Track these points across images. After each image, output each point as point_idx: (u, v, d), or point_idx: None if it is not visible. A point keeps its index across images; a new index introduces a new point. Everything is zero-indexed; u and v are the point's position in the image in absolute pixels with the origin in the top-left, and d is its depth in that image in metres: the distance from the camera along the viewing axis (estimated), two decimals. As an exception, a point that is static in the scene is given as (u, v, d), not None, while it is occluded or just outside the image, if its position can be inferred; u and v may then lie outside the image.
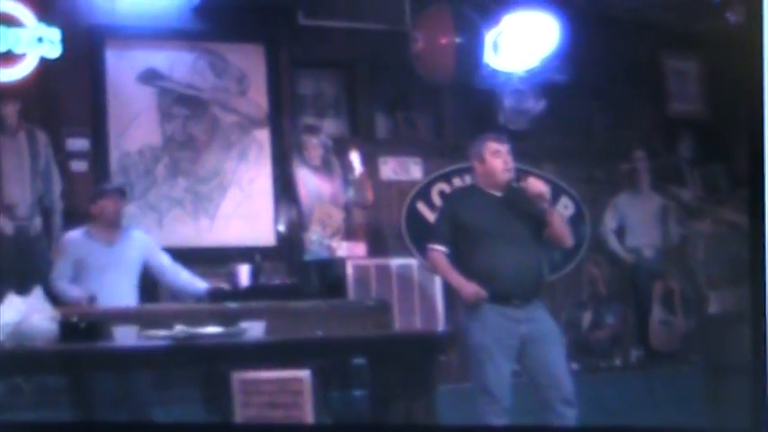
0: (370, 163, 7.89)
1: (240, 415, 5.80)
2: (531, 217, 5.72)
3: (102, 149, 7.64)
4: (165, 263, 6.68)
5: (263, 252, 7.38)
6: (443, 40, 7.76)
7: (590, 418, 5.95)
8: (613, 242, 8.68)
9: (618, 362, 8.25)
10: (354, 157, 7.38)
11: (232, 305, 5.86)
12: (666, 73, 9.45)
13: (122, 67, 7.79)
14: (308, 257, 7.23)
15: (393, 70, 8.36)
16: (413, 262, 7.83)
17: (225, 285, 6.74)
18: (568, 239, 5.88)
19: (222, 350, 5.00)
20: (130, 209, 7.53)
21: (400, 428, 5.77)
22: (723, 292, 8.47)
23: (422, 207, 8.35)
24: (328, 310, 5.72)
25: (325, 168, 7.41)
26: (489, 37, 8.02)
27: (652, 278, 8.50)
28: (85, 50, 7.65)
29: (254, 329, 5.08)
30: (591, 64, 8.45)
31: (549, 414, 5.56)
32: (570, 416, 5.54)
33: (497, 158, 5.75)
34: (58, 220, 7.16)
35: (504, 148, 5.79)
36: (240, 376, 5.69)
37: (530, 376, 5.69)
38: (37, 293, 4.83)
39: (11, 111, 7.06)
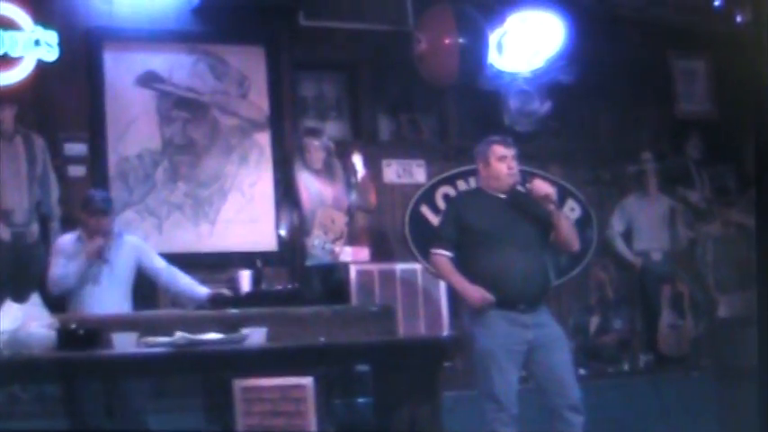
0: (372, 166, 7.88)
1: (242, 423, 5.77)
2: (537, 220, 5.70)
3: (101, 154, 7.63)
4: (160, 265, 6.61)
5: (265, 257, 7.36)
6: (446, 41, 7.75)
7: (598, 425, 5.93)
8: (621, 245, 8.67)
9: (626, 367, 8.23)
10: (357, 160, 7.36)
11: (233, 311, 5.83)
12: (674, 73, 9.47)
13: (121, 70, 7.78)
14: (310, 262, 7.22)
15: (396, 72, 8.37)
16: (417, 266, 7.81)
17: (226, 291, 6.71)
18: (575, 243, 5.85)
19: (223, 357, 4.97)
20: (129, 214, 7.52)
21: (405, 436, 5.74)
22: (733, 295, 8.46)
23: (426, 211, 8.34)
24: (331, 315, 5.69)
25: (327, 172, 7.39)
26: (493, 37, 8.02)
27: (660, 282, 8.49)
28: (83, 53, 7.64)
29: (255, 336, 5.05)
30: (597, 64, 8.45)
31: (556, 422, 5.53)
32: (578, 423, 5.50)
33: (502, 163, 5.73)
34: (55, 226, 7.15)
35: (509, 152, 5.76)
36: (241, 384, 5.67)
37: (537, 382, 5.66)
38: (34, 300, 4.80)
39: (7, 115, 7.04)
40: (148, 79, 7.84)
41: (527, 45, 8.16)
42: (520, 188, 5.80)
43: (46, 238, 7.08)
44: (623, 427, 7.30)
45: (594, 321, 8.32)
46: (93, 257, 6.38)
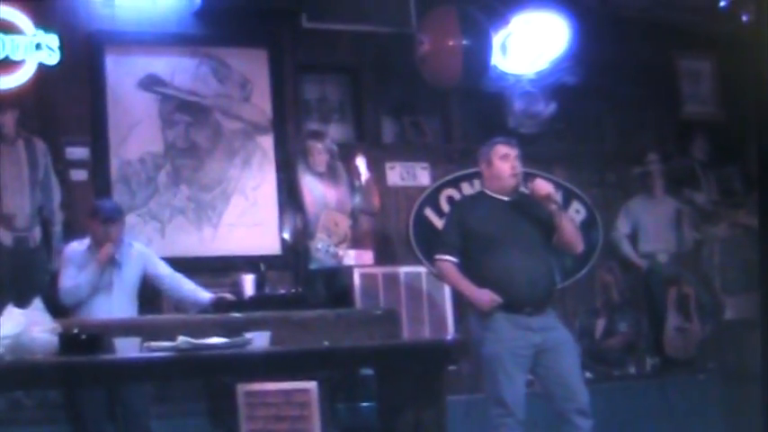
0: (376, 169, 7.87)
1: (245, 428, 5.78)
2: (540, 221, 5.70)
3: (103, 158, 7.63)
4: (164, 272, 6.63)
5: (268, 261, 7.37)
6: (450, 43, 7.75)
7: (604, 428, 5.92)
8: (626, 247, 8.66)
9: (632, 370, 8.22)
10: (360, 163, 7.36)
11: (236, 315, 5.82)
12: (679, 74, 9.46)
13: (122, 73, 7.78)
14: (313, 266, 7.22)
15: (399, 74, 8.36)
16: (421, 270, 7.82)
17: (229, 295, 6.72)
18: (579, 244, 5.84)
19: (226, 361, 4.96)
20: (131, 218, 7.52)
21: (410, 441, 5.74)
22: (739, 297, 8.46)
23: (430, 213, 8.34)
24: (335, 319, 5.68)
25: (330, 175, 7.39)
26: (497, 39, 8.02)
27: (666, 284, 8.48)
28: (84, 57, 7.64)
29: (258, 340, 5.05)
30: (601, 65, 8.44)
31: (564, 426, 5.52)
32: (586, 427, 5.50)
33: (506, 162, 5.73)
34: (57, 230, 7.14)
35: (512, 152, 5.77)
36: (245, 388, 5.68)
37: (544, 386, 5.66)
38: (36, 305, 4.80)
39: (9, 119, 7.03)
40: (150, 83, 7.85)
41: (531, 46, 8.16)
42: (522, 190, 5.80)
43: (48, 242, 7.07)
44: (630, 431, 7.30)
45: (600, 324, 8.32)
46: (104, 264, 6.39)
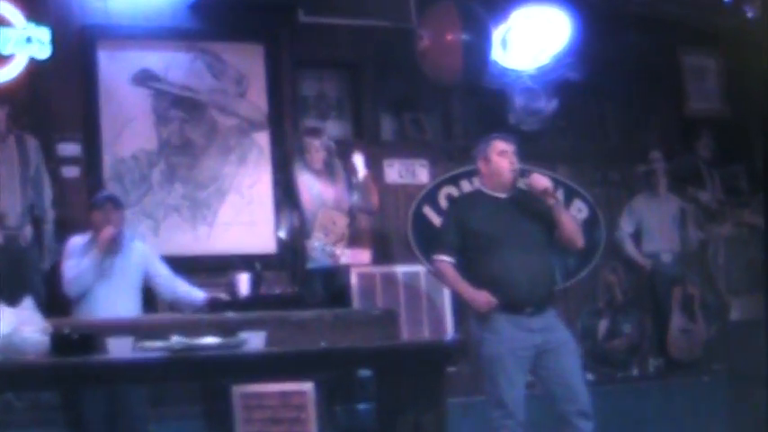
0: (374, 166, 7.87)
1: (241, 430, 5.78)
2: (540, 218, 5.69)
3: (95, 155, 7.61)
4: (162, 272, 6.71)
5: (264, 260, 7.37)
6: (450, 38, 7.73)
7: (607, 431, 5.92)
8: (630, 247, 8.66)
9: (635, 372, 8.23)
10: (358, 161, 7.35)
11: (231, 315, 5.82)
12: (684, 70, 9.45)
13: (116, 68, 7.77)
14: (310, 265, 7.21)
15: (398, 70, 8.36)
16: (420, 269, 7.81)
17: (224, 295, 6.72)
18: (579, 239, 5.84)
19: (222, 363, 4.96)
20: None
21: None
22: (745, 297, 8.46)
23: (429, 212, 8.33)
24: (332, 319, 5.68)
25: (327, 172, 7.38)
26: (498, 34, 8.01)
27: (671, 284, 8.49)
28: (77, 51, 7.63)
29: (254, 341, 5.04)
30: (605, 61, 8.44)
31: (565, 428, 5.52)
32: (587, 429, 5.50)
33: (503, 158, 5.74)
34: (49, 228, 7.14)
35: (510, 148, 5.77)
36: (241, 390, 5.67)
37: (545, 388, 5.66)
38: (27, 304, 4.80)
39: (-1, 115, 7.03)
40: (144, 78, 7.84)
41: (532, 42, 8.15)
42: (520, 185, 5.79)
43: (39, 241, 7.07)
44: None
45: (603, 325, 8.32)
46: (104, 247, 6.45)
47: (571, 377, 5.60)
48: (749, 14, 8.14)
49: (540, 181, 5.68)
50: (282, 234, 7.59)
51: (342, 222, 7.28)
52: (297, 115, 8.30)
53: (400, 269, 7.84)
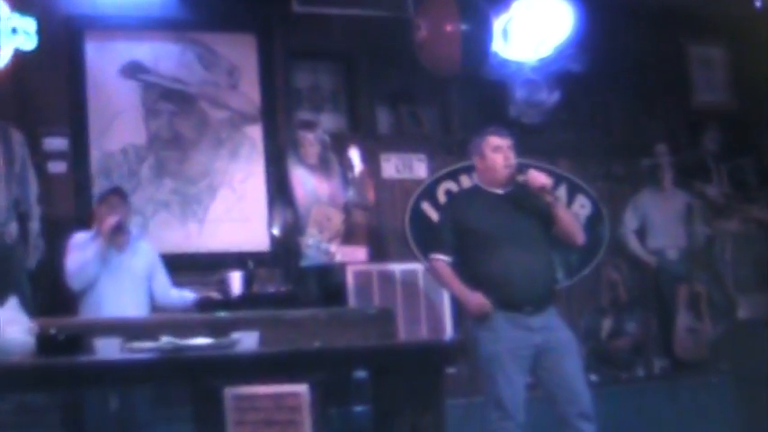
0: (371, 161, 7.88)
1: (233, 433, 5.77)
2: (538, 214, 5.70)
3: (83, 149, 7.64)
4: (161, 279, 6.85)
5: (257, 257, 7.36)
6: (448, 28, 7.74)
7: (610, 433, 5.94)
8: (634, 243, 8.67)
9: (640, 373, 8.23)
10: (354, 155, 7.36)
11: (223, 315, 5.83)
12: (690, 61, 9.46)
13: (103, 60, 7.78)
14: (304, 263, 7.22)
15: (395, 61, 8.36)
16: (418, 267, 7.82)
17: (215, 294, 6.72)
18: (579, 235, 5.85)
19: (213, 363, 4.96)
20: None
21: (406, 446, 5.75)
22: (753, 295, 8.47)
23: (427, 208, 8.34)
24: (327, 319, 5.69)
25: (322, 167, 7.39)
26: (498, 24, 8.01)
27: (676, 282, 8.49)
28: (64, 42, 7.65)
29: (247, 341, 5.05)
30: (608, 52, 8.45)
31: (566, 430, 5.53)
32: (589, 432, 5.52)
33: (498, 154, 5.74)
34: (35, 225, 7.13)
35: (505, 142, 5.78)
36: (233, 392, 5.66)
37: (545, 389, 5.66)
38: (12, 304, 4.80)
39: (-17, 108, 7.04)
40: (133, 70, 7.85)
41: (534, 32, 8.15)
42: (519, 180, 5.79)
43: (25, 238, 7.06)
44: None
45: (606, 324, 8.32)
46: (108, 236, 6.55)
47: (573, 378, 5.60)
48: (757, 3, 8.15)
49: (538, 178, 5.69)
50: (276, 231, 7.59)
51: (337, 218, 7.29)
52: (290, 108, 8.30)
53: (397, 267, 7.85)
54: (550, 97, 8.45)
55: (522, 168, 5.76)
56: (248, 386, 5.51)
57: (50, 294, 7.01)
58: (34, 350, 4.68)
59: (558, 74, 8.37)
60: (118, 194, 6.87)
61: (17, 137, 7.14)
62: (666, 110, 9.29)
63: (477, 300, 5.55)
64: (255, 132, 8.12)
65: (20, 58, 7.30)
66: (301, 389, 5.60)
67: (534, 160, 7.60)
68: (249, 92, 8.15)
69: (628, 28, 8.72)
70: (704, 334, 8.42)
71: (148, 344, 4.81)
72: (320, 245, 7.19)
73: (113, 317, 6.28)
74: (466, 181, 8.23)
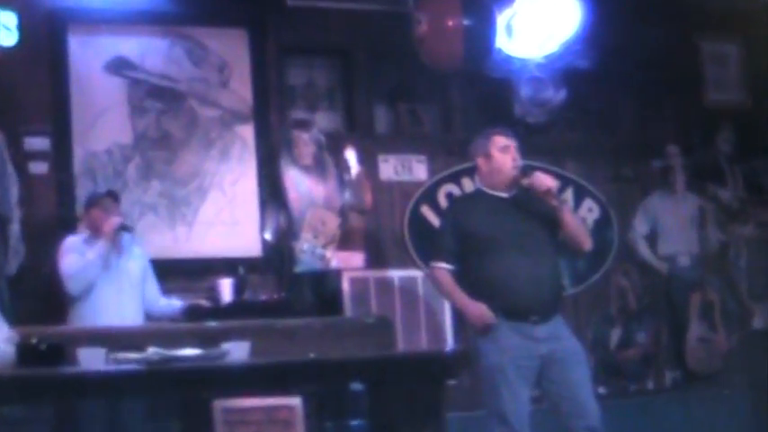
0: (368, 161, 7.87)
1: (223, 448, 5.77)
2: (544, 219, 5.69)
3: (65, 149, 7.63)
4: (151, 288, 6.85)
5: (248, 263, 7.38)
6: (450, 22, 7.74)
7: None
8: (644, 249, 8.67)
9: (651, 385, 8.23)
10: (351, 156, 7.36)
11: (213, 324, 5.83)
12: (703, 58, 9.46)
13: (88, 55, 7.78)
14: (298, 269, 7.21)
15: (394, 56, 8.36)
16: (417, 274, 7.82)
17: (204, 301, 6.73)
18: (586, 241, 5.84)
19: (201, 375, 4.96)
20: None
21: (404, 462, 5.75)
22: (769, 304, 8.47)
23: (427, 211, 8.34)
24: (322, 328, 5.70)
25: (317, 168, 7.39)
26: (502, 18, 8.01)
27: (689, 289, 8.49)
28: (46, 37, 7.64)
29: (237, 351, 5.05)
30: (617, 48, 8.44)
31: (573, 445, 5.53)
32: (598, 447, 5.51)
33: (505, 154, 5.73)
34: (16, 228, 7.15)
35: (512, 143, 5.77)
36: (222, 405, 5.66)
37: (551, 402, 5.66)
38: (-8, 312, 4.81)
39: (-39, 106, 7.04)
40: (118, 66, 7.85)
41: (539, 27, 8.15)
42: (523, 183, 5.78)
43: (5, 241, 7.07)
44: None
45: (615, 334, 8.33)
46: (110, 238, 6.58)
47: (579, 390, 5.59)
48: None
49: (544, 180, 5.68)
50: (268, 235, 7.58)
51: (332, 223, 7.28)
52: (284, 106, 8.31)
53: (396, 274, 7.85)
54: (556, 96, 8.45)
55: (526, 170, 5.74)
56: (239, 399, 5.51)
57: (32, 301, 7.01)
58: (14, 360, 4.68)
59: (565, 71, 8.36)
60: (111, 197, 6.87)
61: (-3, 136, 7.17)
62: (678, 109, 9.29)
63: (479, 311, 5.54)
64: (247, 132, 8.12)
65: (0, 54, 7.31)
66: (295, 402, 5.60)
67: (539, 162, 7.61)
68: (240, 89, 8.15)
69: (638, 23, 8.71)
70: (718, 344, 8.43)
71: (134, 355, 4.81)
72: (315, 250, 7.19)
73: (98, 326, 6.29)
74: (468, 183, 8.22)
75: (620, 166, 9.03)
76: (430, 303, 7.67)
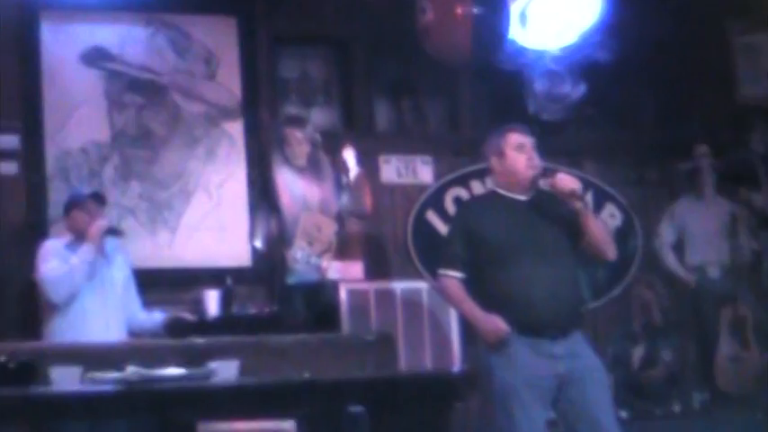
0: (368, 162, 7.87)
1: (209, 476, 5.76)
2: (564, 224, 5.68)
3: (37, 147, 7.66)
4: (133, 300, 6.85)
5: (236, 273, 7.38)
6: (459, 10, 7.73)
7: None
8: (670, 259, 8.67)
9: (677, 407, 8.23)
10: (349, 156, 7.36)
11: (197, 340, 5.82)
12: (734, 50, 9.45)
13: (61, 45, 7.80)
14: (291, 280, 7.21)
15: (396, 48, 8.36)
16: (422, 285, 7.83)
17: (189, 315, 6.72)
18: (611, 250, 5.83)
19: (186, 397, 4.96)
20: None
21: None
22: (806, 320, 8.47)
23: (433, 217, 8.36)
24: (317, 345, 5.69)
25: (312, 169, 7.39)
26: (515, 6, 8.01)
27: (718, 303, 8.48)
28: (16, 25, 7.66)
29: (225, 370, 5.05)
30: (641, 39, 8.45)
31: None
32: (619, 475, 5.51)
33: (521, 153, 5.72)
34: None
35: (528, 141, 5.76)
36: (208, 428, 5.66)
37: (568, 425, 5.65)
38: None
39: (-76, 101, 7.05)
40: (95, 56, 7.86)
41: (556, 16, 8.15)
42: (542, 186, 5.78)
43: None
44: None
45: (638, 352, 8.33)
46: (96, 241, 6.60)
47: (599, 412, 5.59)
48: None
49: (568, 182, 5.67)
50: (258, 242, 7.58)
51: (329, 229, 7.28)
52: (276, 101, 8.33)
53: (398, 285, 7.86)
54: (574, 91, 8.45)
55: (546, 171, 5.73)
56: (226, 422, 5.50)
57: (0, 313, 7.01)
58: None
59: (584, 64, 8.36)
60: (95, 200, 6.86)
61: (-37, 134, 7.18)
62: (707, 105, 9.29)
63: (492, 324, 5.52)
64: (235, 129, 8.13)
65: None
66: (287, 425, 5.60)
67: (555, 163, 7.60)
68: (228, 82, 8.16)
69: (662, 11, 8.71)
70: (749, 363, 8.42)
71: (112, 374, 4.81)
72: (309, 259, 7.18)
73: (72, 342, 6.27)
74: (477, 187, 8.24)
75: (644, 168, 9.04)
76: (435, 318, 7.67)
